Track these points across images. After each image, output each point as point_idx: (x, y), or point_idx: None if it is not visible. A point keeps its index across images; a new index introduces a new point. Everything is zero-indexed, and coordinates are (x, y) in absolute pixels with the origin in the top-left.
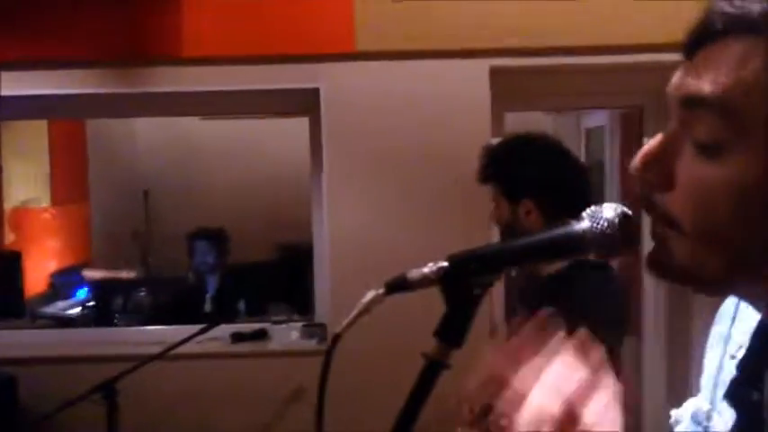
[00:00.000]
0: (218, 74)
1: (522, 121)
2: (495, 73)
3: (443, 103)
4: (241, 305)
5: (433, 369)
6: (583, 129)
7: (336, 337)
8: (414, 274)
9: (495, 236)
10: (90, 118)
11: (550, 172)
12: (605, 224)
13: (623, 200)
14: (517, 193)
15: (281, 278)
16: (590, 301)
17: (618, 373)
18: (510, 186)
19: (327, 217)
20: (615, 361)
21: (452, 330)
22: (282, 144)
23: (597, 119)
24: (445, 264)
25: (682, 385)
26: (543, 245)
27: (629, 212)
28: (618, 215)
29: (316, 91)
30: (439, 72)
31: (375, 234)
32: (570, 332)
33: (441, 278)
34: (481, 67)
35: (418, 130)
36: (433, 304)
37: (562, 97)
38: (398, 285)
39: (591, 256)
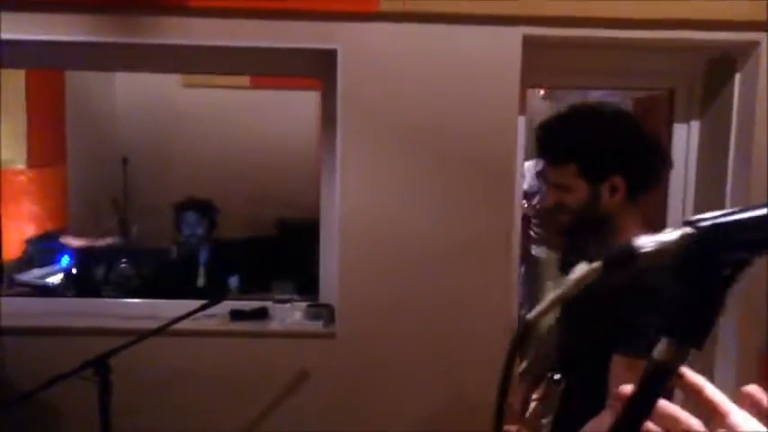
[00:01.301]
0: (227, 27)
1: None
2: (527, 42)
3: (470, 72)
4: (233, 281)
5: (660, 375)
6: None
7: (529, 325)
8: (646, 243)
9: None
10: (89, 70)
11: (636, 144)
12: None
13: None
14: (603, 170)
15: (278, 255)
16: None
17: None
18: (595, 163)
19: (340, 191)
20: None
21: (691, 324)
22: (268, 115)
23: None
24: (690, 229)
25: None
26: None
27: None
28: None
29: (333, 52)
30: (467, 38)
31: (389, 211)
32: None
33: (686, 251)
34: (514, 35)
35: (441, 99)
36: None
37: (593, 75)
38: (623, 258)
39: None
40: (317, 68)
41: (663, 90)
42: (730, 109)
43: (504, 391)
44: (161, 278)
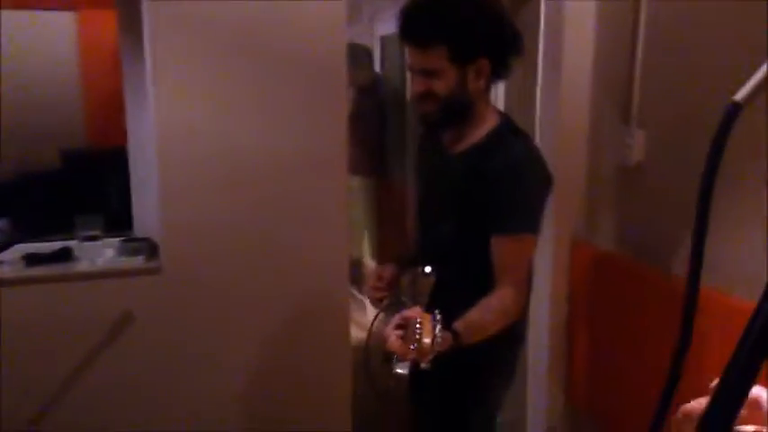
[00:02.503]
0: None
1: None
2: None
3: None
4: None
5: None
6: (378, 36)
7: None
8: None
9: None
10: None
11: (501, 25)
12: None
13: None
14: (471, 52)
15: (69, 190)
16: None
17: None
18: (465, 45)
19: (155, 111)
20: None
21: None
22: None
23: (391, 26)
24: None
25: None
26: None
27: None
28: None
29: None
30: None
31: (212, 128)
32: None
33: None
34: None
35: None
36: None
37: None
38: None
39: None
40: None
41: None
42: (537, 20)
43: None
44: None
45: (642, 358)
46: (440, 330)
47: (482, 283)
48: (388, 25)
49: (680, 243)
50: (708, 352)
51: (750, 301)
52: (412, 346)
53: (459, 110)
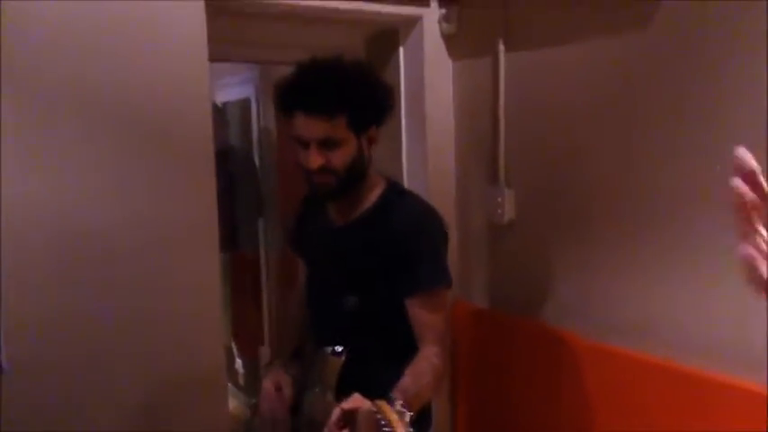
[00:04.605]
0: None
1: None
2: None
3: (154, 42)
4: None
5: None
6: (219, 102)
7: None
8: None
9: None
10: None
11: (386, 94)
12: None
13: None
14: (366, 121)
15: None
16: None
17: None
18: (363, 115)
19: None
20: None
21: None
22: None
23: (233, 94)
24: None
25: None
26: None
27: None
28: None
29: None
30: (147, 9)
31: (67, 202)
32: None
33: None
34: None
35: (123, 72)
36: None
37: (268, 48)
38: None
39: None
40: None
41: None
42: (398, 84)
43: None
44: None
45: (524, 403)
46: (409, 417)
47: (394, 351)
48: (229, 92)
49: (552, 293)
50: None
51: None
52: None
53: (355, 179)
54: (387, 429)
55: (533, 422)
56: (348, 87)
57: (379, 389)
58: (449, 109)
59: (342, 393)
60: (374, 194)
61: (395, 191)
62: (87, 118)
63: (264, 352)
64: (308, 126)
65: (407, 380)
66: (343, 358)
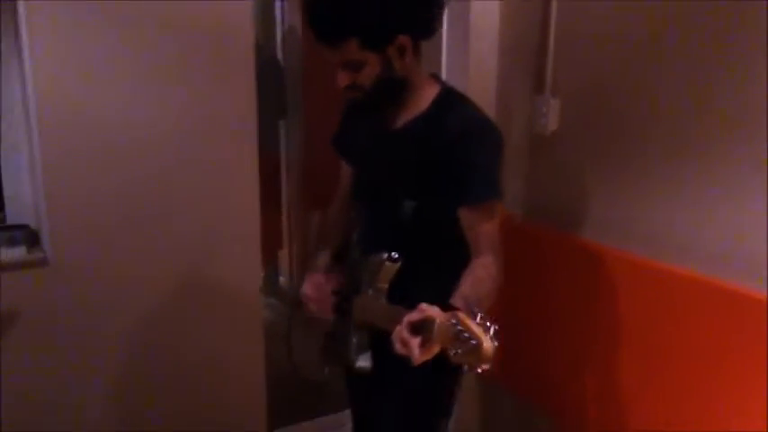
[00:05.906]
0: None
1: None
2: None
3: None
4: None
5: None
6: None
7: None
8: None
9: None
10: None
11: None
12: None
13: None
14: (384, 36)
15: None
16: None
17: None
18: (375, 33)
19: (32, 80)
20: None
21: None
22: None
23: None
24: None
25: None
26: None
27: None
28: None
29: None
30: None
31: (101, 96)
32: None
33: None
34: None
35: None
36: None
37: None
38: None
39: None
40: None
41: None
42: None
43: None
44: None
45: (555, 321)
46: (494, 330)
47: (446, 259)
48: None
49: (591, 208)
50: None
51: None
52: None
53: (391, 89)
54: (473, 342)
55: (565, 333)
56: (351, 11)
57: (427, 298)
58: (494, 15)
59: (390, 299)
60: (426, 99)
61: (450, 95)
62: (122, 17)
63: (283, 255)
64: (324, 51)
65: (467, 287)
66: (398, 264)
